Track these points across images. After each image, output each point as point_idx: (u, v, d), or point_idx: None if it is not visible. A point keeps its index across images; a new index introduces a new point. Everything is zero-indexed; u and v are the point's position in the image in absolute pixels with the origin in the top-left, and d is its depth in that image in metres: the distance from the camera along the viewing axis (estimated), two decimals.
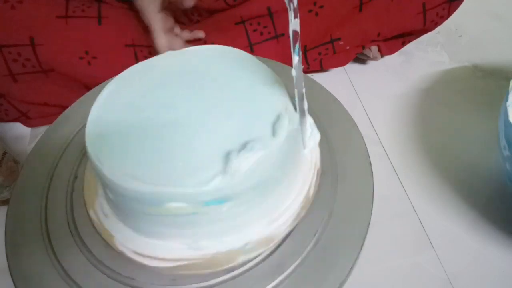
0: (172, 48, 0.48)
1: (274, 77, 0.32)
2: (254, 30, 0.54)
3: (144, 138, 0.28)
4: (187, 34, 0.52)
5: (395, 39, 0.59)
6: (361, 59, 0.62)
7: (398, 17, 0.55)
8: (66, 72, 0.51)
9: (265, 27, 0.54)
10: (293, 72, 0.27)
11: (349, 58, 0.58)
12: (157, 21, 0.47)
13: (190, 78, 0.32)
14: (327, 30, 0.55)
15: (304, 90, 0.29)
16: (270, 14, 0.53)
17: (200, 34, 0.53)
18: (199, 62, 0.33)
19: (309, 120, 0.31)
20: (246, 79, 0.31)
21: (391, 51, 0.60)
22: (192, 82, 0.32)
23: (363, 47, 0.58)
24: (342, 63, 0.59)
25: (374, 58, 0.61)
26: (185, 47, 0.35)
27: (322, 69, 0.59)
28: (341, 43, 0.56)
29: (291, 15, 0.24)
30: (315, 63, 0.58)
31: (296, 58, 0.26)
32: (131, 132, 0.29)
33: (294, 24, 0.24)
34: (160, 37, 0.48)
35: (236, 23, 0.54)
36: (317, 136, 0.33)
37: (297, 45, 0.25)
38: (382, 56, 0.61)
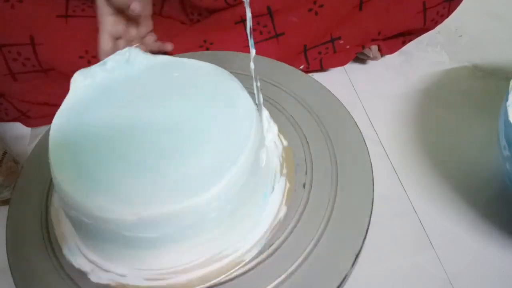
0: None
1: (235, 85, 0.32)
2: (254, 30, 0.54)
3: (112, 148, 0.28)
4: (154, 44, 0.50)
5: (395, 38, 0.59)
6: (361, 59, 0.62)
7: (398, 16, 0.55)
8: (66, 72, 0.50)
9: (264, 26, 0.54)
10: (252, 65, 0.28)
11: (349, 58, 0.58)
12: (105, 24, 0.45)
13: (157, 88, 0.32)
14: (327, 29, 0.55)
15: (259, 84, 0.30)
16: (270, 13, 0.53)
17: (169, 47, 0.52)
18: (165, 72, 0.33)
19: (265, 113, 0.32)
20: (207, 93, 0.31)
21: (391, 51, 0.60)
22: (158, 92, 0.31)
23: (363, 47, 0.58)
24: (342, 63, 0.59)
25: (374, 58, 0.61)
26: None
27: (322, 68, 0.59)
28: (341, 42, 0.56)
29: (248, 11, 0.25)
30: (315, 62, 0.58)
31: (253, 52, 0.28)
32: (98, 141, 0.28)
33: (249, 19, 0.26)
34: (103, 41, 0.45)
35: (236, 22, 0.54)
36: (274, 128, 0.33)
37: (252, 40, 0.28)
38: (382, 55, 0.61)
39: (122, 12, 0.45)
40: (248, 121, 0.29)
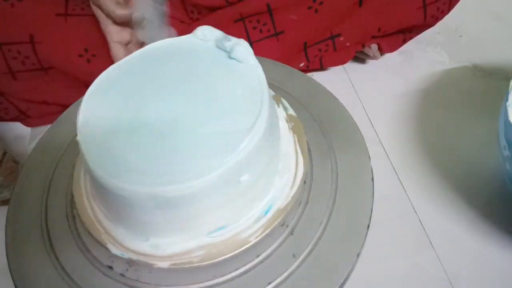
0: None
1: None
2: (254, 28, 0.54)
3: (137, 137, 0.28)
4: None
5: (396, 35, 0.59)
6: (360, 59, 0.62)
7: (398, 12, 0.55)
8: (65, 70, 0.51)
9: (264, 24, 0.54)
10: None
11: (349, 56, 0.58)
12: (111, 34, 0.46)
13: (177, 74, 0.32)
14: (327, 26, 0.55)
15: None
16: (270, 11, 0.53)
17: None
18: (186, 58, 0.33)
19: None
20: (233, 73, 0.32)
21: (391, 48, 0.60)
22: (179, 78, 0.32)
23: (363, 46, 0.58)
24: (342, 61, 0.59)
25: (374, 57, 0.61)
26: None
27: (322, 67, 0.59)
28: (341, 39, 0.56)
29: None
30: (315, 60, 0.58)
31: None
32: (126, 133, 0.29)
33: None
34: (115, 51, 0.46)
35: (236, 21, 0.54)
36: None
37: None
38: (382, 54, 0.61)
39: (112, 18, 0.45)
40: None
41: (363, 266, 0.36)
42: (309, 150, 0.36)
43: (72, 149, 0.39)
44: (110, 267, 0.31)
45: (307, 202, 0.33)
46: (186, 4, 0.56)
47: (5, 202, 0.46)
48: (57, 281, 0.31)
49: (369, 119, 0.54)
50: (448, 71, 0.60)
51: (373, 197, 0.34)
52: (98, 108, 0.31)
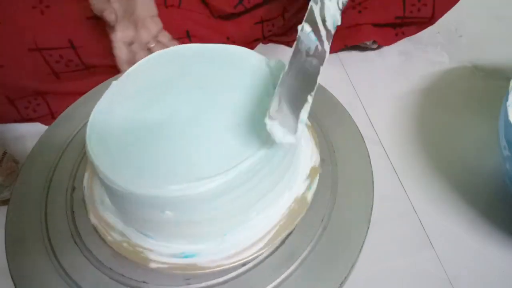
0: (132, 61, 0.47)
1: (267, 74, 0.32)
2: (269, 31, 0.59)
3: (145, 139, 0.28)
4: (170, 43, 0.51)
5: (386, 28, 0.59)
6: (362, 47, 0.62)
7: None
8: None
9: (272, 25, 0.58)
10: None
11: (339, 44, 0.60)
12: (115, 33, 0.46)
13: (189, 77, 0.32)
14: None
15: None
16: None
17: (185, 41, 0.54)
18: (196, 61, 0.33)
19: None
20: (242, 79, 0.31)
21: (385, 42, 0.61)
22: (191, 82, 0.32)
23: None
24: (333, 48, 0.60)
25: (370, 47, 0.62)
26: None
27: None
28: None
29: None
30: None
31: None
32: (132, 133, 0.29)
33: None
34: (118, 50, 0.47)
35: (255, 23, 0.58)
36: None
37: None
38: (378, 46, 0.62)
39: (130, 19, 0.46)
40: None
41: (363, 266, 0.36)
42: (282, 242, 0.33)
43: (72, 149, 0.39)
44: (95, 255, 0.32)
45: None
46: (208, 6, 0.57)
47: (5, 202, 0.46)
48: (57, 281, 0.31)
49: (369, 119, 0.54)
50: (448, 71, 0.60)
51: (373, 197, 0.34)
52: (109, 111, 0.31)
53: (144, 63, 0.34)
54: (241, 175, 0.26)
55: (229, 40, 0.59)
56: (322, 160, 0.35)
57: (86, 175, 0.35)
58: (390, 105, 0.56)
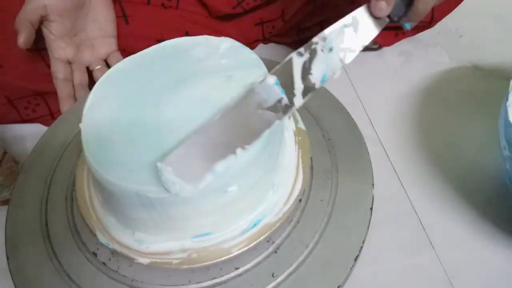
0: (70, 78, 0.48)
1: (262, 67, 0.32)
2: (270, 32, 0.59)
3: (138, 137, 0.28)
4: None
5: (388, 30, 0.59)
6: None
7: None
8: None
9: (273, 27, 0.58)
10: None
11: None
12: (53, 49, 0.46)
13: (180, 73, 0.32)
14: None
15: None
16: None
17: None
18: (189, 56, 0.34)
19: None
20: (236, 74, 0.31)
21: (386, 42, 0.61)
22: (182, 77, 0.32)
23: None
24: None
25: (371, 46, 0.62)
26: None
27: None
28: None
29: None
30: None
31: None
32: (126, 131, 0.29)
33: None
34: (54, 67, 0.47)
35: (256, 24, 0.58)
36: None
37: None
38: (379, 46, 0.61)
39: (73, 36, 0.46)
40: None
41: (363, 266, 0.36)
42: (311, 167, 0.35)
43: (71, 149, 0.39)
44: (95, 254, 0.31)
45: (298, 221, 0.33)
46: (206, 7, 0.57)
47: (5, 202, 0.46)
48: (57, 281, 0.31)
49: (369, 119, 0.54)
50: (448, 71, 0.60)
51: (373, 197, 0.34)
52: (102, 109, 0.31)
53: (127, 63, 0.34)
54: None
55: None
56: (314, 132, 0.38)
57: (98, 233, 0.32)
58: (390, 105, 0.56)
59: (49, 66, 0.50)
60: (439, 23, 0.58)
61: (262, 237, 0.29)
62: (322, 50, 0.29)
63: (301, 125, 0.36)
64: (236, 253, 0.29)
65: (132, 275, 0.31)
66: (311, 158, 0.35)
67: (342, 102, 0.42)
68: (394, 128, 0.53)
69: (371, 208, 0.33)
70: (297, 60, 0.28)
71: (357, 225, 0.33)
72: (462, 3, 0.55)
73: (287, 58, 0.28)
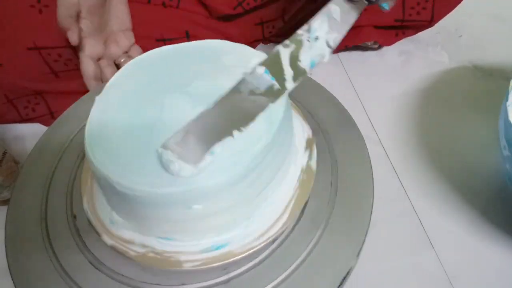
0: (99, 77, 0.48)
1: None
2: (270, 33, 0.60)
3: (142, 139, 0.28)
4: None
5: (388, 29, 0.59)
6: (362, 47, 0.62)
7: None
8: None
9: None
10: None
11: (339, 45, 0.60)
12: (84, 47, 0.47)
13: (184, 76, 0.32)
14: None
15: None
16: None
17: None
18: (191, 60, 0.33)
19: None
20: (228, 74, 0.31)
21: (386, 42, 0.60)
22: (186, 80, 0.32)
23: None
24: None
25: (372, 47, 0.62)
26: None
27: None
28: None
29: None
30: None
31: None
32: (129, 133, 0.29)
33: None
34: (84, 65, 0.47)
35: (256, 24, 0.58)
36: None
37: None
38: (379, 46, 0.61)
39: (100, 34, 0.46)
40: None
41: (363, 266, 0.36)
42: (302, 213, 0.33)
43: (72, 149, 0.39)
44: (74, 217, 0.33)
45: (307, 202, 0.33)
46: (207, 7, 0.57)
47: (5, 202, 0.46)
48: (57, 281, 0.31)
49: (369, 119, 0.54)
50: (448, 71, 0.60)
51: (373, 197, 0.34)
52: (106, 112, 0.31)
53: (131, 67, 0.34)
54: (255, 159, 0.27)
55: (228, 40, 0.59)
56: (314, 131, 0.37)
57: (85, 199, 0.33)
58: (390, 105, 0.56)
59: (49, 65, 0.50)
60: (439, 23, 0.58)
61: (218, 263, 0.29)
62: (308, 40, 0.31)
63: (313, 163, 0.34)
64: (188, 268, 0.29)
65: (133, 275, 0.31)
66: (306, 202, 0.33)
67: (342, 102, 0.42)
68: (394, 128, 0.53)
69: (371, 208, 0.33)
70: (283, 50, 0.30)
71: (357, 225, 0.33)
72: (462, 3, 0.55)
73: (274, 50, 0.30)
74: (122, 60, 0.49)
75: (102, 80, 0.48)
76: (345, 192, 0.34)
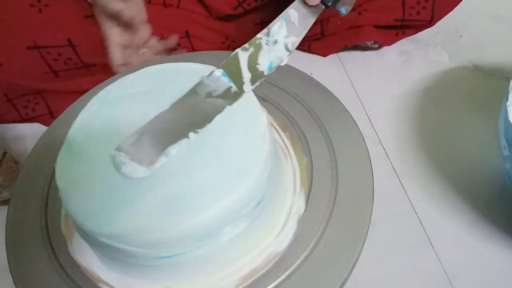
0: (128, 64, 0.48)
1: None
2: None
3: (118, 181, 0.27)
4: (159, 45, 0.51)
5: (388, 29, 0.59)
6: (362, 47, 0.62)
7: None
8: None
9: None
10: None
11: (339, 44, 0.60)
12: (112, 37, 0.46)
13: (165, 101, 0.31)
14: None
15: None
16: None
17: (172, 41, 0.52)
18: (173, 82, 0.32)
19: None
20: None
21: (386, 42, 0.60)
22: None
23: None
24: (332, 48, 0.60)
25: (372, 47, 0.62)
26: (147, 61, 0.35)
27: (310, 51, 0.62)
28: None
29: None
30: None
31: None
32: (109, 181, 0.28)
33: None
34: (114, 54, 0.47)
35: (256, 24, 0.58)
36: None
37: None
38: (379, 46, 0.61)
39: (118, 19, 0.46)
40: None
41: (363, 266, 0.36)
42: (309, 151, 0.35)
43: None
44: None
45: (307, 202, 0.33)
46: (207, 7, 0.57)
47: (5, 202, 0.46)
48: (57, 281, 0.31)
49: (369, 119, 0.54)
50: (448, 71, 0.60)
51: (373, 197, 0.34)
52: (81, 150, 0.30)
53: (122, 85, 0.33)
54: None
55: (228, 40, 0.59)
56: (314, 131, 0.37)
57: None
58: (390, 105, 0.56)
59: (48, 64, 0.50)
60: (439, 23, 0.58)
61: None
62: (266, 43, 0.32)
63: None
64: None
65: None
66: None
67: (342, 102, 0.42)
68: (394, 128, 0.53)
69: (371, 208, 0.33)
70: (242, 54, 0.31)
71: (357, 225, 0.33)
72: (462, 3, 0.55)
73: (233, 53, 0.31)
74: (144, 50, 0.49)
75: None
76: (345, 192, 0.34)
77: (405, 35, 0.60)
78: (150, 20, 0.53)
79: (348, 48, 0.62)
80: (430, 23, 0.57)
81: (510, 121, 0.37)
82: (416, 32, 0.60)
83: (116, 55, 0.47)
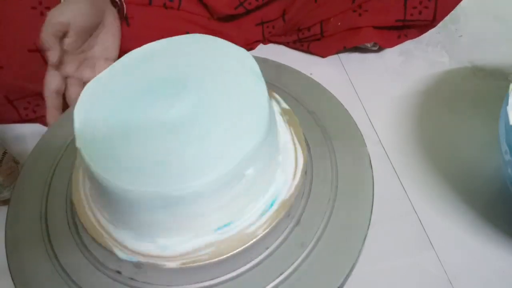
0: (61, 92, 0.46)
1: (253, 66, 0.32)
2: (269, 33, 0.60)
3: (137, 138, 0.28)
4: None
5: (390, 30, 0.59)
6: (361, 49, 0.62)
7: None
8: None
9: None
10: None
11: (338, 45, 0.60)
12: (53, 52, 0.44)
13: (176, 72, 0.32)
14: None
15: None
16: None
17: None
18: (183, 55, 0.34)
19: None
20: (230, 72, 0.32)
21: (387, 44, 0.60)
22: (178, 77, 0.32)
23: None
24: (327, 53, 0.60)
25: (372, 48, 0.61)
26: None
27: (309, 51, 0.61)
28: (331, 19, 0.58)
29: None
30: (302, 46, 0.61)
31: None
32: (121, 132, 0.29)
33: None
34: (51, 75, 0.45)
35: (256, 24, 0.58)
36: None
37: None
38: (379, 48, 0.61)
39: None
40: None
41: (363, 265, 0.36)
42: (306, 141, 0.36)
43: (72, 149, 0.39)
44: (119, 272, 0.31)
45: (310, 192, 0.34)
46: (207, 8, 0.57)
47: (5, 202, 0.46)
48: (57, 281, 0.31)
49: (369, 119, 0.54)
50: (448, 71, 0.60)
51: (373, 197, 0.34)
52: (95, 111, 0.31)
53: (124, 60, 0.34)
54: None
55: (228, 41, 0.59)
56: (314, 131, 0.38)
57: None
58: (390, 105, 0.56)
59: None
60: (439, 23, 0.58)
61: (282, 214, 0.31)
62: None
63: (285, 105, 0.37)
64: (262, 234, 0.30)
65: (133, 275, 0.31)
66: (303, 134, 0.36)
67: (342, 102, 0.42)
68: (394, 128, 0.53)
69: (371, 208, 0.33)
70: None
71: (357, 225, 0.33)
72: (462, 3, 0.55)
73: None
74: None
75: (64, 97, 0.47)
76: (345, 192, 0.34)
77: (407, 37, 0.60)
78: (150, 22, 0.53)
79: (347, 49, 0.62)
80: (432, 23, 0.57)
81: (511, 125, 0.37)
82: (419, 35, 0.60)
83: (52, 78, 0.45)
